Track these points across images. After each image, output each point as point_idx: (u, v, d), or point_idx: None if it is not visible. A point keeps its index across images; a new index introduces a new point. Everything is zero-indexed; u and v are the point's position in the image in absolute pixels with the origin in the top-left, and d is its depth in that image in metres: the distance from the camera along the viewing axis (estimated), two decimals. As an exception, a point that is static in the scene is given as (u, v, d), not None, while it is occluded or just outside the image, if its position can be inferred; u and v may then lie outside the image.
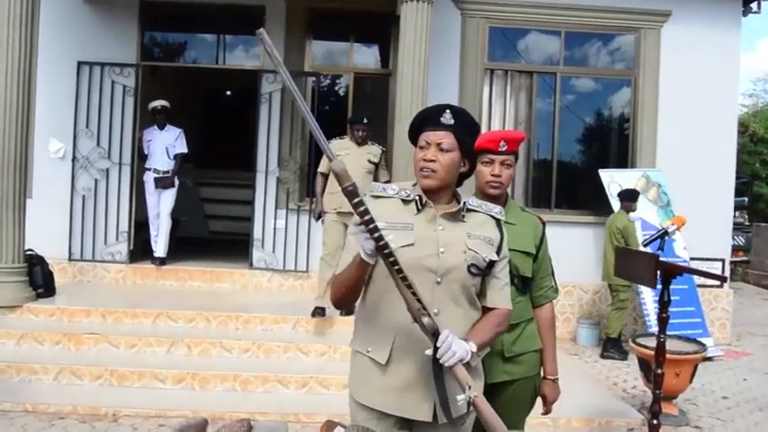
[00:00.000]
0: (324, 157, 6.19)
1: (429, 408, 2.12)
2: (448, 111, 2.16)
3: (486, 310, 2.24)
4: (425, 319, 1.97)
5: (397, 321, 2.10)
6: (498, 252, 2.22)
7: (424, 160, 2.14)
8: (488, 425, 1.97)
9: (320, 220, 6.41)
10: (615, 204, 7.62)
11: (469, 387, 1.94)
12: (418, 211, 2.17)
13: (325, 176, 6.30)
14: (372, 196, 2.21)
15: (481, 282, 2.21)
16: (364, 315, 2.25)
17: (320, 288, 6.19)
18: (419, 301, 1.96)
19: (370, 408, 2.19)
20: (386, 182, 6.19)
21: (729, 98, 8.23)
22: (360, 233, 1.92)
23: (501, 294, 2.25)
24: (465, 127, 2.17)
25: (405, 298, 1.96)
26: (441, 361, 1.95)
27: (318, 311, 6.14)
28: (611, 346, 7.18)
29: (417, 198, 2.17)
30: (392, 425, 2.15)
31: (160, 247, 7.77)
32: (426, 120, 2.19)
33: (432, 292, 2.10)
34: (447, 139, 2.14)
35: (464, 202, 2.21)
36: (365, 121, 6.34)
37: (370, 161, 6.34)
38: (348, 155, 6.16)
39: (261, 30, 1.83)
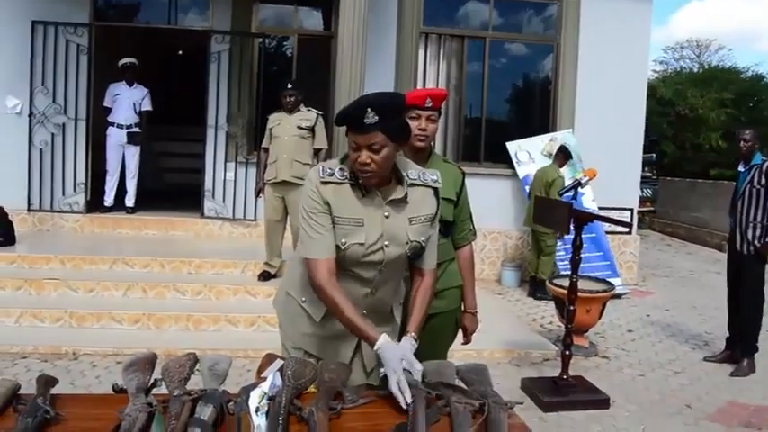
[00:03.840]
0: (267, 130, 5.92)
1: (349, 354, 2.20)
2: (369, 110, 1.93)
3: (416, 269, 2.23)
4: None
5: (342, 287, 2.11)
6: (433, 223, 2.18)
7: (361, 164, 1.98)
8: None
9: (259, 197, 6.13)
10: (521, 171, 7.82)
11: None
12: (365, 195, 2.07)
13: (267, 150, 5.90)
14: (322, 182, 2.07)
15: None
16: (303, 270, 2.16)
17: (267, 252, 6.00)
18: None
19: (297, 347, 2.26)
20: (318, 150, 6.00)
21: (641, 64, 8.39)
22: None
23: (430, 255, 2.22)
24: (390, 117, 1.97)
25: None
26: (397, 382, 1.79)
27: (264, 275, 5.96)
28: (544, 289, 7.16)
29: (362, 185, 2.06)
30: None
31: (131, 197, 7.71)
32: (350, 122, 1.99)
33: (373, 277, 2.13)
34: (376, 138, 1.95)
35: (407, 182, 2.09)
36: (290, 86, 5.83)
37: (301, 127, 5.78)
38: (279, 125, 5.80)
39: None
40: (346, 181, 2.06)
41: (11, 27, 7.23)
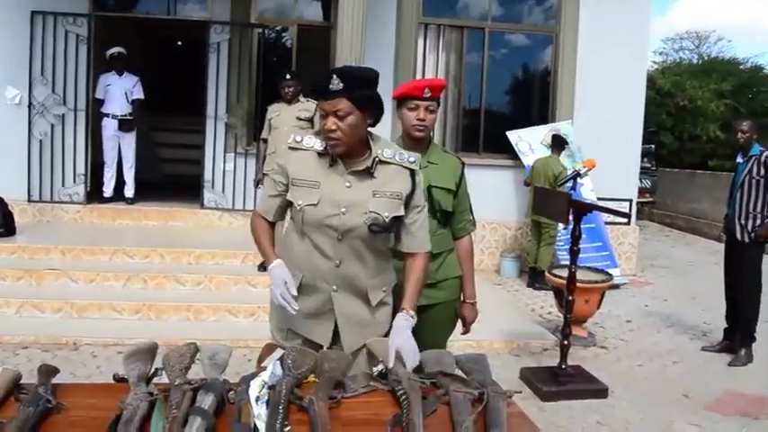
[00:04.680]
0: (266, 121, 5.94)
1: (328, 334, 2.24)
2: (335, 76, 2.02)
3: (407, 254, 2.25)
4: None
5: (310, 262, 2.19)
6: (408, 203, 2.17)
7: (327, 130, 2.06)
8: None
9: (259, 188, 6.08)
10: (526, 160, 7.78)
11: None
12: (331, 165, 2.14)
13: (267, 141, 5.92)
14: (289, 147, 2.18)
15: (397, 229, 2.20)
16: (281, 248, 2.27)
17: None
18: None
19: (281, 328, 2.32)
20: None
21: (640, 55, 8.36)
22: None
23: (416, 239, 2.24)
24: (357, 86, 2.04)
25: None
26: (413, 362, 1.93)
27: (264, 266, 5.89)
28: (543, 279, 7.07)
29: (330, 154, 2.13)
30: (301, 343, 2.22)
31: (130, 187, 7.69)
32: (318, 88, 2.07)
33: (334, 248, 2.16)
34: (341, 104, 2.02)
35: (375, 157, 2.13)
36: (288, 77, 5.84)
37: (300, 118, 5.77)
38: (278, 116, 5.81)
39: None
40: (312, 148, 2.15)
41: (10, 17, 7.19)
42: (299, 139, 2.18)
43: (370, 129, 2.16)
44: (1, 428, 1.43)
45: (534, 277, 7.42)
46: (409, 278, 2.22)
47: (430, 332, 2.67)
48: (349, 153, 2.12)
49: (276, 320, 2.35)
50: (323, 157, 2.14)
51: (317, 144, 2.15)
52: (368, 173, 2.13)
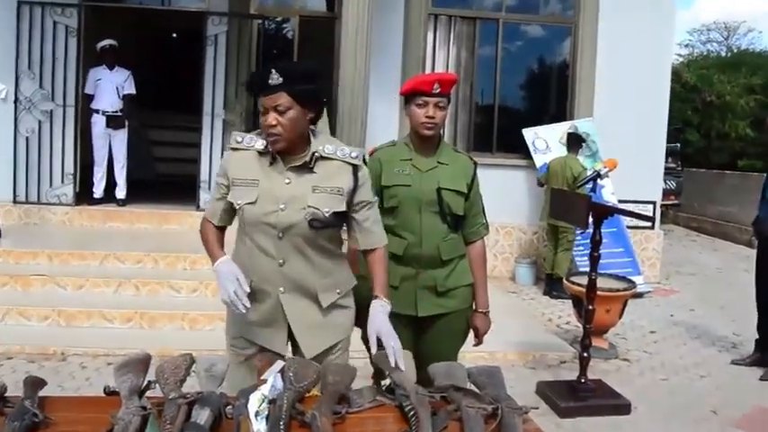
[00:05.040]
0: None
1: (283, 342, 2.32)
2: (273, 71, 2.12)
3: (367, 252, 2.34)
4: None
5: (255, 265, 2.26)
6: (352, 199, 2.25)
7: (267, 126, 2.14)
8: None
9: None
10: (538, 158, 7.76)
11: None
12: (271, 164, 2.22)
13: None
14: (231, 148, 2.28)
15: (349, 226, 2.32)
16: (233, 254, 2.34)
17: None
18: None
19: (237, 336, 2.38)
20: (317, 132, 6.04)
21: (665, 48, 8.35)
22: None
23: (372, 235, 2.33)
24: (296, 81, 2.13)
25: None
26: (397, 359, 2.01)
27: None
28: (561, 287, 6.84)
29: (270, 152, 2.21)
30: (258, 351, 2.33)
31: (121, 188, 7.72)
32: (256, 84, 2.18)
33: (276, 246, 2.23)
34: (281, 99, 2.11)
35: (314, 152, 2.21)
36: None
37: None
38: None
39: None
40: (253, 147, 2.24)
41: (-4, 9, 7.24)
42: (239, 138, 2.28)
43: (314, 125, 2.26)
44: (-16, 444, 1.44)
45: (551, 285, 7.39)
46: (376, 269, 2.31)
47: (440, 343, 2.68)
48: (289, 149, 2.20)
49: (231, 329, 2.40)
50: (263, 156, 2.23)
51: (258, 143, 2.24)
52: (307, 168, 2.21)
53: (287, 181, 2.20)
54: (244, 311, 2.13)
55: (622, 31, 7.98)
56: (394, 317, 2.61)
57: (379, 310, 2.18)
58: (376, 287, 2.27)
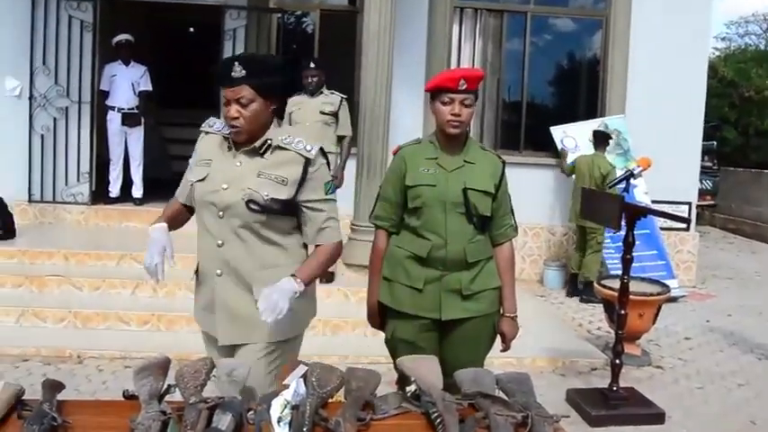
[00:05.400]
0: (287, 115, 5.83)
1: (214, 327, 2.44)
2: (236, 63, 2.23)
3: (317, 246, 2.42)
4: None
5: (201, 245, 2.44)
6: (299, 191, 2.31)
7: (229, 118, 2.25)
8: None
9: None
10: (571, 156, 7.69)
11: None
12: (229, 148, 2.35)
13: None
14: (203, 131, 2.45)
15: (298, 222, 2.39)
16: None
17: None
18: None
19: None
20: (341, 138, 6.08)
21: (701, 41, 8.27)
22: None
23: (324, 233, 2.39)
24: (259, 73, 2.24)
25: None
26: (264, 317, 2.12)
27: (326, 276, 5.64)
28: (592, 291, 6.60)
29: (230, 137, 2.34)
30: (205, 337, 2.56)
31: (137, 186, 7.79)
32: (220, 76, 2.26)
33: (217, 225, 2.35)
34: (243, 92, 2.22)
35: (266, 140, 2.30)
36: (312, 65, 5.80)
37: (324, 112, 5.79)
38: (300, 109, 5.76)
39: None
40: (220, 132, 2.39)
41: (10, 2, 7.31)
42: (211, 123, 2.44)
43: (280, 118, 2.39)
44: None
45: (574, 286, 7.39)
46: (311, 258, 2.39)
47: (467, 348, 2.67)
48: (251, 140, 2.31)
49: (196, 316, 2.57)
50: (226, 140, 2.37)
51: (226, 129, 2.35)
52: (257, 152, 2.31)
53: (238, 164, 2.31)
54: (155, 282, 2.35)
55: (656, 24, 7.91)
56: (417, 320, 2.62)
57: (284, 282, 2.19)
58: (300, 269, 2.29)
